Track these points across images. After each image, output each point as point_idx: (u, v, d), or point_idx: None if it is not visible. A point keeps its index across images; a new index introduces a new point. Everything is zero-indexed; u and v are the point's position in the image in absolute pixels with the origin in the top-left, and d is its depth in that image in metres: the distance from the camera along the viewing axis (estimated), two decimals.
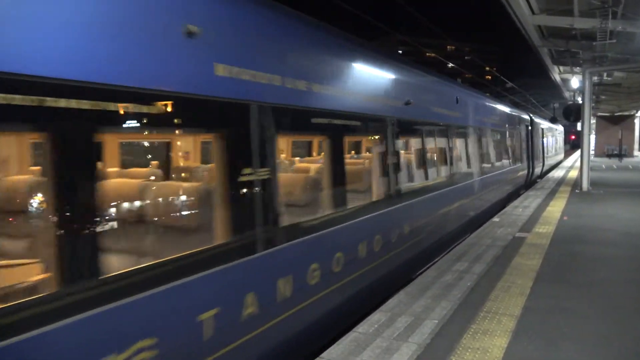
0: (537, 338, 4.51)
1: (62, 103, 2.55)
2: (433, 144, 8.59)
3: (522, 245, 8.33)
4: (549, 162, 28.85)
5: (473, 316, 5.07)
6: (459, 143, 10.16)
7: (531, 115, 21.79)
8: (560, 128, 39.45)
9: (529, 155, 19.68)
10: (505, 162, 14.96)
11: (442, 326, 4.80)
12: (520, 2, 14.15)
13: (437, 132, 8.73)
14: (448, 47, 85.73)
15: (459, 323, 4.89)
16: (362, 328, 4.75)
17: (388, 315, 5.09)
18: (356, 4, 11.69)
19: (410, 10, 13.27)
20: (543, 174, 25.05)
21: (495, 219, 11.32)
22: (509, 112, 16.28)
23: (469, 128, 10.89)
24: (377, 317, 5.04)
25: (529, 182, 20.20)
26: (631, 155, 44.42)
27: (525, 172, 19.13)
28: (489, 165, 12.67)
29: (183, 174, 5.74)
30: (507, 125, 15.36)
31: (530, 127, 20.28)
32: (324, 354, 4.23)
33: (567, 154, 53.65)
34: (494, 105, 14.26)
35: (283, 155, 7.57)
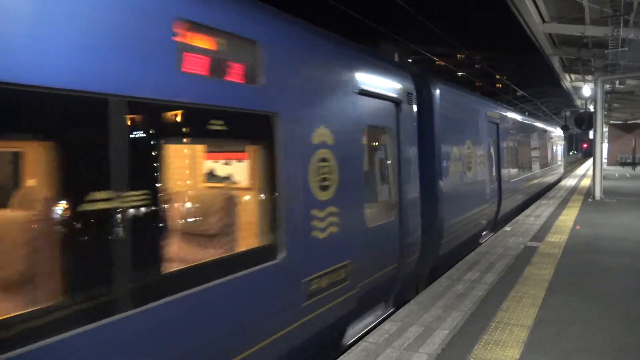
0: (550, 349, 4.46)
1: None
2: None
3: (534, 255, 8.25)
4: (522, 196, 14.87)
5: (485, 326, 5.02)
6: None
7: (428, 79, 7.87)
8: (553, 129, 25.03)
9: (403, 198, 6.38)
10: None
11: (453, 336, 4.76)
12: (531, 10, 14.14)
13: None
14: (458, 55, 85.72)
15: (470, 333, 4.84)
16: (373, 338, 4.73)
17: (399, 325, 5.06)
18: (369, 15, 11.79)
19: (422, 20, 13.33)
20: (498, 223, 11.83)
21: (507, 228, 11.23)
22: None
23: None
24: (387, 327, 5.01)
25: (405, 286, 6.75)
26: None
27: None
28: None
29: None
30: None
31: (416, 109, 7.01)
32: None
33: (578, 163, 52.45)
34: None
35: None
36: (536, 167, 18.13)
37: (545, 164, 20.64)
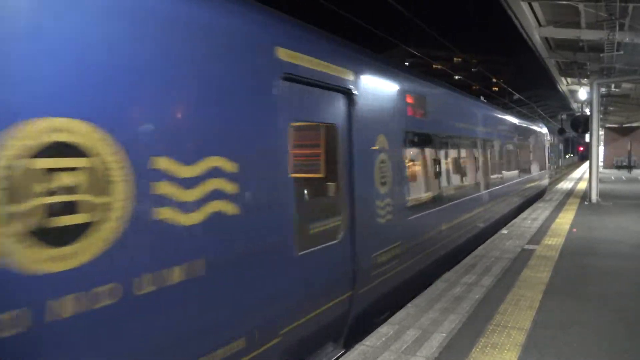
0: (547, 352, 4.46)
1: None
2: None
3: (531, 258, 8.26)
4: (442, 248, 7.86)
5: (482, 329, 5.02)
6: None
7: None
8: (531, 125, 19.01)
9: None
10: None
11: (450, 339, 4.76)
12: (527, 14, 14.20)
13: None
14: (455, 58, 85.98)
15: (467, 336, 4.84)
16: (370, 341, 4.72)
17: (396, 328, 5.05)
18: (365, 17, 11.83)
19: (419, 22, 13.39)
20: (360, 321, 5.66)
21: (504, 230, 11.25)
22: None
23: None
24: (385, 330, 5.01)
25: None
26: None
27: None
28: None
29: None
30: None
31: None
32: None
33: (575, 166, 52.52)
34: None
35: None
36: (483, 185, 10.88)
37: (506, 179, 13.33)
